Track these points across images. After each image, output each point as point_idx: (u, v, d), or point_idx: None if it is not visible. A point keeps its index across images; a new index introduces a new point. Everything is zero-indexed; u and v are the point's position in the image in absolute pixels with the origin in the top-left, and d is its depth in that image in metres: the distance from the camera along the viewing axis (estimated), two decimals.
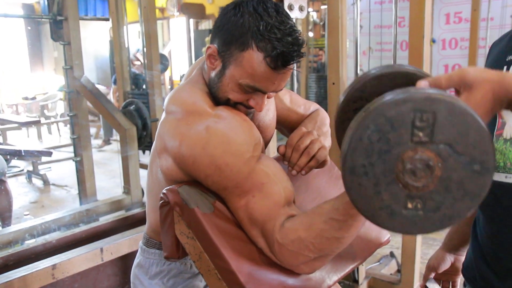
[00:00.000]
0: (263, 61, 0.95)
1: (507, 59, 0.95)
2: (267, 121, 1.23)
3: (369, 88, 0.84)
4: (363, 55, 5.71)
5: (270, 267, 1.01)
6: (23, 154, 4.52)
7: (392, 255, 2.92)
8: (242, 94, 1.02)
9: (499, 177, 0.93)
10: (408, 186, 0.66)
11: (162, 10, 8.30)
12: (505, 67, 0.95)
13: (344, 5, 2.47)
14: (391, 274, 2.70)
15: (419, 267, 2.48)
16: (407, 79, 0.80)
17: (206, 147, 0.97)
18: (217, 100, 1.06)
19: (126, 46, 3.71)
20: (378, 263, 2.81)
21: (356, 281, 2.51)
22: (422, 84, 0.71)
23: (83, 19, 3.92)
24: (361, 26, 5.57)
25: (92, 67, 8.88)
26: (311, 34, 6.06)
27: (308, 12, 5.92)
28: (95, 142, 6.74)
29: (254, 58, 0.96)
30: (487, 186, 0.64)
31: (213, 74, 1.05)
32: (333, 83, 2.57)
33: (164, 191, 1.03)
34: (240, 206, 1.01)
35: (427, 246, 3.31)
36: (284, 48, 0.94)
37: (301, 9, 1.95)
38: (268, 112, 1.23)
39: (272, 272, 1.01)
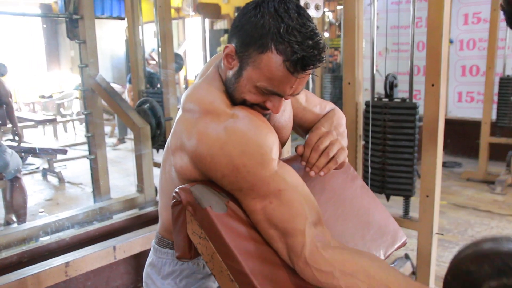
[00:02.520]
0: (282, 65, 0.93)
1: None
2: (283, 122, 1.20)
3: None
4: (379, 55, 5.66)
5: (286, 270, 0.99)
6: (38, 152, 4.57)
7: (407, 257, 2.88)
8: (259, 96, 1.00)
9: None
10: None
11: (177, 10, 8.33)
12: None
13: (360, 5, 2.44)
14: None
15: (434, 270, 2.43)
16: None
17: (224, 147, 0.96)
18: (233, 99, 1.04)
19: (141, 45, 3.72)
20: (393, 265, 2.77)
21: None
22: None
23: (98, 18, 3.94)
24: (377, 27, 5.53)
25: (108, 66, 8.95)
26: (326, 34, 6.02)
27: (324, 12, 5.88)
28: (110, 141, 6.79)
29: (273, 61, 0.93)
30: None
31: (230, 74, 1.03)
32: (349, 83, 2.55)
33: (176, 190, 1.02)
34: (256, 210, 0.99)
35: (442, 248, 3.25)
36: (304, 52, 0.92)
37: (317, 8, 1.92)
38: (284, 112, 1.21)
39: (288, 274, 0.99)
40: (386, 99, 2.46)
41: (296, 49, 0.91)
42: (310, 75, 1.00)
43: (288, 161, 1.18)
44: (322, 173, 1.08)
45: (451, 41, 5.79)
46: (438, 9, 2.15)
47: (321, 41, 0.94)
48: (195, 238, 1.01)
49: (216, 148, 0.96)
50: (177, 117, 1.08)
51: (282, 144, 1.22)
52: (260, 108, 1.03)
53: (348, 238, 1.19)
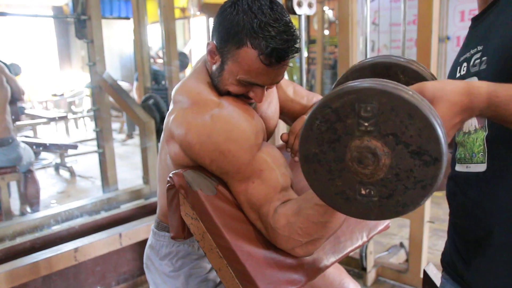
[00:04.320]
0: (258, 58, 0.97)
1: (460, 60, 0.96)
2: (270, 113, 1.25)
3: (354, 77, 0.85)
4: (378, 52, 5.67)
5: (269, 247, 1.04)
6: (50, 147, 4.64)
7: (401, 245, 2.92)
8: (241, 88, 1.05)
9: (461, 167, 0.93)
10: (358, 173, 0.67)
11: (183, 9, 8.36)
12: (458, 68, 0.95)
13: (354, 4, 2.48)
14: (399, 263, 2.70)
15: (426, 256, 2.48)
16: (387, 69, 0.81)
17: (210, 135, 1.01)
18: (219, 91, 1.09)
19: (147, 44, 3.77)
20: (387, 252, 2.81)
21: (364, 269, 2.53)
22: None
23: (105, 18, 4.00)
24: (377, 24, 5.53)
25: (117, 65, 9.02)
26: (327, 32, 6.03)
27: (324, 11, 5.90)
28: (119, 137, 6.86)
29: (249, 56, 0.98)
30: (438, 175, 0.64)
31: (214, 68, 1.08)
32: None
33: (170, 175, 1.07)
34: (240, 191, 1.05)
35: (437, 237, 3.29)
36: (277, 45, 0.96)
37: (310, 5, 1.96)
38: (271, 104, 1.26)
39: (271, 251, 1.04)
40: None
41: (269, 43, 0.95)
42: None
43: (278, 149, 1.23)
44: None
45: (448, 38, 5.78)
46: (427, 6, 2.18)
47: (294, 34, 0.99)
48: (188, 219, 1.07)
49: (203, 136, 1.01)
50: (169, 109, 1.14)
51: (270, 133, 1.27)
52: (244, 97, 1.08)
53: None
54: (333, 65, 6.06)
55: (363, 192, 0.68)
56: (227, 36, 1.00)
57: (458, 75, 0.95)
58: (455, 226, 0.99)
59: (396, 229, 3.32)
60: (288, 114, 1.39)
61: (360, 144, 0.65)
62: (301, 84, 2.30)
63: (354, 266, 2.63)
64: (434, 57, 2.24)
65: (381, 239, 3.12)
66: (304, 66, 2.33)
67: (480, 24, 0.93)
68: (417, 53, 2.27)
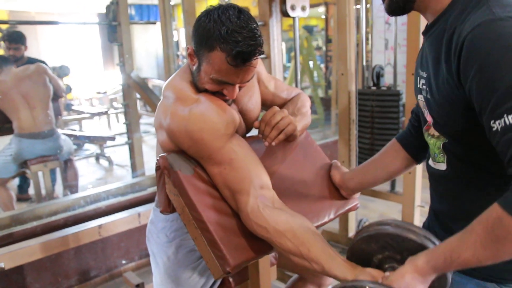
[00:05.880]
0: (226, 60, 1.05)
1: (417, 71, 1.00)
2: (250, 106, 1.33)
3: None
4: (391, 50, 5.59)
5: (238, 220, 1.13)
6: (91, 138, 4.88)
7: None
8: (215, 85, 1.13)
9: (431, 162, 1.01)
10: None
11: None
12: (418, 78, 1.00)
13: (351, 6, 2.51)
14: None
15: None
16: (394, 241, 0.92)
17: (187, 125, 1.11)
18: (198, 88, 1.19)
19: (173, 45, 3.92)
20: None
21: None
22: None
23: (134, 23, 4.15)
24: (389, 24, 5.47)
25: (154, 65, 9.28)
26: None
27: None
28: (154, 130, 7.06)
29: (219, 58, 1.06)
30: None
31: (193, 68, 1.17)
32: (342, 74, 2.62)
33: (157, 158, 1.18)
34: (215, 173, 1.14)
35: None
36: (242, 49, 1.03)
37: (303, 8, 2.01)
38: (251, 98, 1.34)
39: (239, 223, 1.12)
40: (374, 88, 2.53)
41: (235, 47, 1.03)
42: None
43: (255, 137, 1.31)
44: (274, 143, 1.20)
45: None
46: None
47: (258, 39, 1.06)
48: (171, 195, 1.17)
49: (182, 126, 1.11)
50: (159, 102, 1.24)
51: (251, 123, 1.35)
52: (220, 94, 1.17)
53: (303, 197, 1.31)
54: None
55: None
56: (201, 41, 1.09)
57: (418, 86, 1.00)
58: (433, 210, 1.07)
59: (396, 213, 3.33)
60: (269, 106, 1.44)
61: None
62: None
63: (344, 244, 2.68)
64: None
65: None
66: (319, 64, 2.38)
67: (428, 39, 0.95)
68: (407, 50, 2.26)
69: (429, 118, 0.96)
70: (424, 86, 0.94)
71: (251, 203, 1.09)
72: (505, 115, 0.70)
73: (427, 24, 0.96)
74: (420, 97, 0.99)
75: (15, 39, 3.26)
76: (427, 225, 1.10)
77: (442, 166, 0.96)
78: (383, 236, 0.92)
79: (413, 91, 1.08)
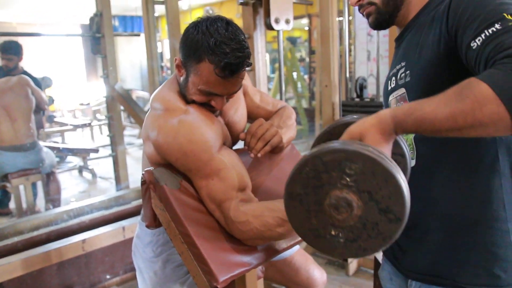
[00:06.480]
0: (214, 72, 1.06)
1: (390, 75, 1.02)
2: (236, 118, 1.33)
3: (337, 132, 0.90)
4: (374, 61, 5.69)
5: (225, 234, 1.12)
6: (74, 151, 4.80)
7: None
8: (203, 97, 1.13)
9: None
10: (332, 217, 0.74)
11: None
12: (389, 82, 1.02)
13: (334, 18, 2.54)
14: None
15: None
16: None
17: (176, 136, 1.10)
18: (186, 99, 1.18)
19: (157, 57, 3.91)
20: None
21: (345, 260, 2.57)
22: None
23: (118, 35, 4.13)
24: (371, 35, 5.56)
25: (138, 76, 9.23)
26: None
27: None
28: (139, 141, 7.01)
29: (207, 69, 1.06)
30: (397, 232, 0.71)
31: (181, 79, 1.17)
32: (326, 86, 2.64)
33: (143, 172, 1.16)
34: (202, 186, 1.13)
35: None
36: (230, 60, 1.04)
37: (287, 21, 2.03)
38: (237, 110, 1.34)
39: (226, 238, 1.12)
40: (358, 99, 2.56)
41: (223, 58, 1.04)
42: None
43: (241, 150, 1.31)
44: (259, 155, 1.20)
45: None
46: None
47: (246, 50, 1.07)
48: (157, 210, 1.15)
49: (170, 137, 1.10)
50: (147, 113, 1.23)
51: (237, 135, 1.35)
52: (208, 106, 1.17)
53: None
54: None
55: (333, 233, 0.75)
56: (189, 52, 1.09)
57: (389, 87, 1.03)
58: None
59: None
60: (255, 119, 1.45)
61: (340, 194, 0.72)
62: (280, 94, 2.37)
63: (336, 256, 2.68)
64: None
65: None
66: (283, 76, 2.40)
67: (400, 44, 1.01)
68: (390, 61, 2.32)
69: None
70: (402, 75, 0.95)
71: (232, 207, 1.10)
72: (485, 31, 0.72)
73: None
74: (392, 96, 1.01)
75: (7, 49, 3.18)
76: None
77: (412, 163, 0.96)
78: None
79: None
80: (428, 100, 0.71)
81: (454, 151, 0.88)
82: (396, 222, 0.70)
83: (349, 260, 2.57)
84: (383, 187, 0.70)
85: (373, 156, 0.69)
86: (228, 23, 1.08)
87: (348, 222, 0.73)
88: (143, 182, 1.16)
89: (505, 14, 0.72)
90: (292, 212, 0.78)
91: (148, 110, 1.23)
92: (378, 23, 1.00)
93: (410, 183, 0.97)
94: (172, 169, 1.16)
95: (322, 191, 0.73)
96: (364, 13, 1.02)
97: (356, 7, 1.05)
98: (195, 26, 1.08)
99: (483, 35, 0.73)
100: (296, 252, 1.52)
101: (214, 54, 1.04)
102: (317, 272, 1.55)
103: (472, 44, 0.74)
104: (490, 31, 0.72)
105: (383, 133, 0.75)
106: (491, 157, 0.86)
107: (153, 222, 1.20)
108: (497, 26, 0.71)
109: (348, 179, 0.71)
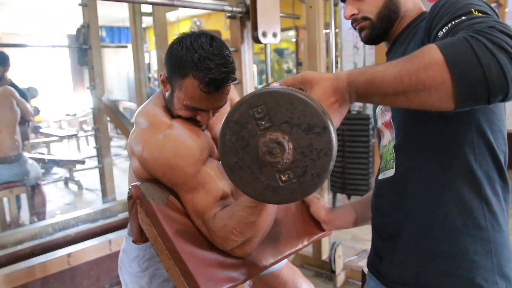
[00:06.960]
0: (198, 87, 1.06)
1: None
2: None
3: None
4: None
5: (212, 249, 1.11)
6: (60, 162, 4.74)
7: None
8: (189, 112, 1.13)
9: (381, 176, 1.02)
10: (272, 164, 0.73)
11: None
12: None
13: (321, 31, 2.57)
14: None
15: None
16: None
17: (162, 151, 1.09)
18: (172, 114, 1.18)
19: (144, 68, 3.90)
20: (357, 256, 2.86)
21: (333, 272, 2.57)
22: (272, 84, 0.81)
23: (105, 46, 4.12)
24: (358, 48, 5.64)
25: (125, 87, 9.18)
26: None
27: None
28: (125, 152, 6.95)
29: (191, 85, 1.06)
30: (331, 140, 0.71)
31: (167, 95, 1.17)
32: None
33: (129, 187, 1.15)
34: (188, 200, 1.13)
35: None
36: (215, 76, 1.04)
37: (274, 35, 2.05)
38: None
39: (213, 253, 1.11)
40: None
41: (207, 74, 1.04)
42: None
43: None
44: None
45: None
46: None
47: (230, 66, 1.07)
48: (144, 225, 1.14)
49: (156, 152, 1.10)
50: (132, 129, 1.22)
51: None
52: (194, 120, 1.17)
53: (276, 224, 1.30)
54: None
55: (283, 178, 0.74)
56: (174, 68, 1.09)
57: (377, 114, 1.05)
58: (374, 226, 1.07)
59: (368, 235, 3.37)
60: None
61: (265, 139, 0.72)
62: None
63: (326, 269, 2.68)
64: None
65: (354, 244, 3.17)
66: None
67: (388, 58, 1.04)
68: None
69: (387, 116, 0.99)
70: None
71: (211, 215, 1.09)
72: (452, 21, 0.74)
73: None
74: (379, 107, 1.03)
75: None
76: (370, 256, 1.10)
77: (391, 172, 0.96)
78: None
79: None
80: (385, 63, 0.72)
81: (434, 159, 0.89)
82: (324, 131, 0.70)
83: (337, 272, 2.57)
84: (294, 110, 0.70)
85: (268, 89, 0.71)
86: (213, 38, 1.09)
87: (288, 159, 0.72)
88: (130, 197, 1.15)
89: (472, 10, 0.74)
90: (242, 183, 0.77)
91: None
92: (371, 38, 1.01)
93: (390, 192, 0.98)
94: (158, 184, 1.15)
95: (251, 146, 0.74)
96: (357, 27, 1.03)
97: (345, 20, 1.07)
98: (179, 41, 1.08)
99: (449, 25, 0.75)
100: (284, 266, 1.51)
101: (198, 70, 1.04)
102: (305, 285, 1.55)
103: (438, 34, 0.76)
104: (456, 21, 0.74)
105: (335, 89, 0.74)
106: (471, 165, 0.86)
107: (140, 238, 1.18)
108: (463, 18, 0.73)
109: (263, 122, 0.72)
